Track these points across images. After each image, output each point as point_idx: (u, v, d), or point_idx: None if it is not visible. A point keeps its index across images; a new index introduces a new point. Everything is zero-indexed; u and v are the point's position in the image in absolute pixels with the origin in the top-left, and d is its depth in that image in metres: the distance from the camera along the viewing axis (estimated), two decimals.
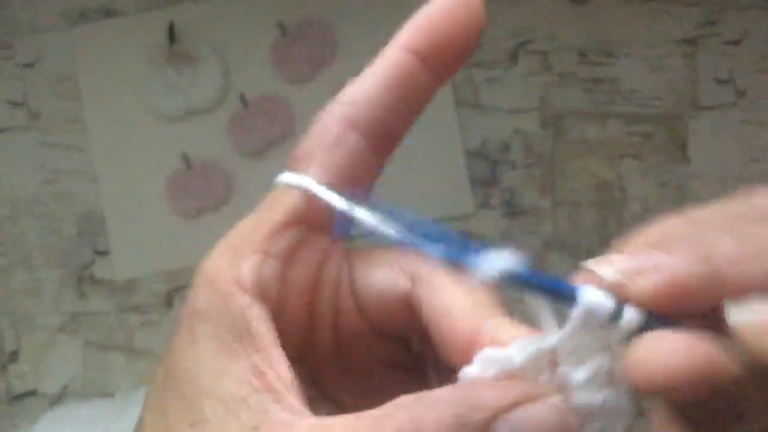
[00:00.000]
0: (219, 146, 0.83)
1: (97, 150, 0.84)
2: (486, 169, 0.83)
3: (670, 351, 0.21)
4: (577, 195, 0.83)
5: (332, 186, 0.26)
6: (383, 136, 0.27)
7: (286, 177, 0.27)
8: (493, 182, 0.83)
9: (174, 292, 0.82)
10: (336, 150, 0.27)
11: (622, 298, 0.22)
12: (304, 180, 0.26)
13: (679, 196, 0.83)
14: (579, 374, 0.23)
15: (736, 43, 0.84)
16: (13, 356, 0.83)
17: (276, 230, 0.26)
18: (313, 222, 0.26)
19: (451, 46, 0.27)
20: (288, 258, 0.26)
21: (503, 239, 0.82)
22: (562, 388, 0.22)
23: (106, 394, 0.80)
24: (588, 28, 0.84)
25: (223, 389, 0.24)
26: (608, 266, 0.23)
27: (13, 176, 0.84)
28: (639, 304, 0.22)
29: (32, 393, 0.82)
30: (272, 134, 0.82)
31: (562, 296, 0.23)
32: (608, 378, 0.23)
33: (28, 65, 0.85)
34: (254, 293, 0.25)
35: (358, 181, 0.27)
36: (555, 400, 0.22)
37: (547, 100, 0.84)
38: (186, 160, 0.82)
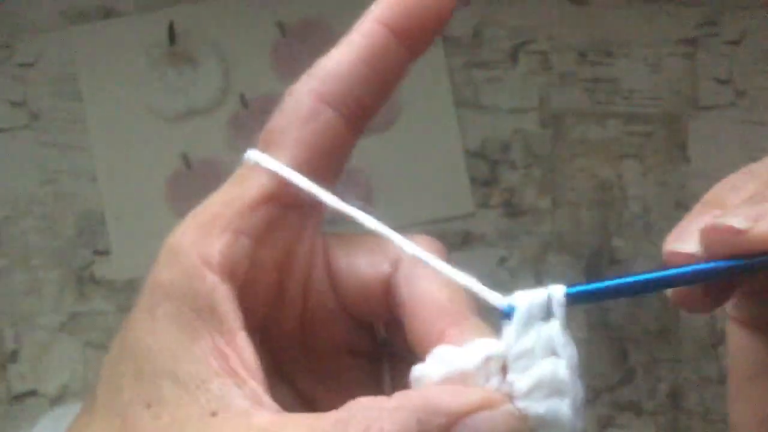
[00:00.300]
0: (219, 146, 0.83)
1: (97, 150, 0.84)
2: (486, 169, 0.83)
3: None
4: (577, 195, 0.83)
5: (307, 161, 0.26)
6: (357, 112, 0.27)
7: (256, 155, 0.27)
8: (493, 182, 0.83)
9: None
10: (309, 125, 0.27)
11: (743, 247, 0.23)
12: (273, 163, 0.27)
13: (679, 196, 0.83)
14: (523, 382, 0.23)
15: (736, 43, 0.84)
16: (13, 356, 0.82)
17: (247, 208, 0.26)
18: (285, 200, 0.26)
19: (424, 21, 0.27)
20: (259, 237, 0.26)
21: (503, 239, 0.82)
22: (508, 395, 0.23)
23: None
24: (588, 28, 0.84)
25: (183, 370, 0.24)
26: (734, 216, 0.25)
27: (13, 176, 0.84)
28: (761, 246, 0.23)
29: (32, 393, 0.82)
30: None
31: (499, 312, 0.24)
32: (553, 387, 0.23)
33: (28, 65, 0.85)
34: (222, 272, 0.25)
35: (331, 156, 0.27)
36: (511, 407, 0.22)
37: (547, 100, 0.84)
38: (186, 160, 0.82)
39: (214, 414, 0.23)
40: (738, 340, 0.28)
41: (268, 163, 0.27)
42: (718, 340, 0.82)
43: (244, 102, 0.82)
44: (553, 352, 0.24)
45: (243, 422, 0.22)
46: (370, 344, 0.29)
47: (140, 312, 0.26)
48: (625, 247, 0.82)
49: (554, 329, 0.24)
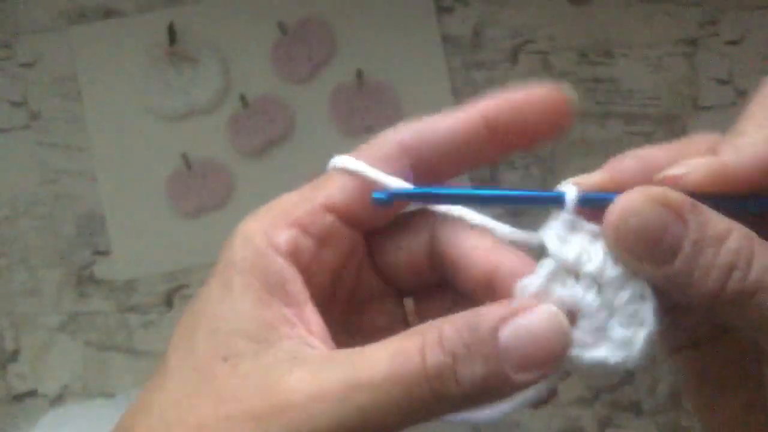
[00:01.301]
0: (219, 146, 0.83)
1: (97, 150, 0.84)
2: (486, 169, 0.83)
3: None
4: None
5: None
6: (427, 175, 0.31)
7: (339, 159, 0.30)
8: (493, 182, 0.83)
9: (174, 292, 0.82)
10: (382, 163, 0.31)
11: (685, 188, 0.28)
12: (358, 164, 0.30)
13: None
14: (573, 280, 0.28)
15: (736, 43, 0.84)
16: (13, 356, 0.83)
17: (315, 211, 0.29)
18: (349, 214, 0.30)
19: (520, 132, 0.32)
20: (321, 239, 0.29)
21: None
22: (570, 296, 0.28)
23: (106, 394, 0.80)
24: (588, 28, 0.84)
25: (257, 332, 0.27)
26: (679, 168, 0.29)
27: (13, 176, 0.84)
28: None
29: (32, 393, 0.82)
30: (272, 134, 0.82)
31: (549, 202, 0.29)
32: (598, 279, 0.28)
33: (28, 65, 0.85)
34: (288, 258, 0.28)
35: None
36: (548, 306, 0.27)
37: None
38: (186, 160, 0.82)
39: (295, 358, 0.26)
40: (689, 364, 0.31)
41: (352, 163, 0.30)
42: None
43: (244, 102, 0.82)
44: (597, 253, 0.28)
45: (326, 356, 0.26)
46: (403, 324, 0.33)
47: (214, 285, 0.29)
48: None
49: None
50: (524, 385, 0.26)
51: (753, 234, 0.27)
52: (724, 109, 0.83)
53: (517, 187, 0.83)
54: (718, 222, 0.27)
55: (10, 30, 0.85)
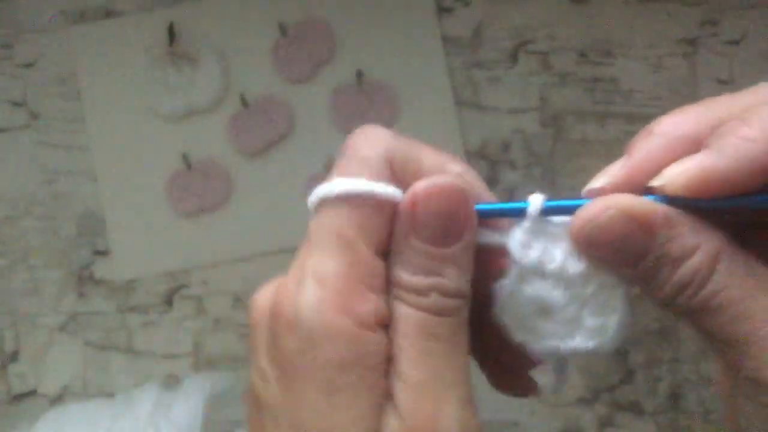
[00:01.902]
0: (219, 146, 0.83)
1: (97, 150, 0.84)
2: (486, 168, 0.83)
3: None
4: (577, 195, 0.83)
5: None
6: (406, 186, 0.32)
7: (335, 186, 0.30)
8: (493, 182, 0.83)
9: (174, 292, 0.82)
10: (378, 176, 0.31)
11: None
12: (359, 183, 0.30)
13: None
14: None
15: (736, 43, 0.84)
16: (13, 356, 0.83)
17: (364, 261, 0.29)
18: (383, 245, 0.30)
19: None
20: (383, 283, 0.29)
21: None
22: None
23: (106, 394, 0.80)
24: (588, 28, 0.84)
25: None
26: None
27: (13, 176, 0.84)
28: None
29: (32, 393, 0.82)
30: (272, 134, 0.82)
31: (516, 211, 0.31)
32: (563, 276, 0.31)
33: (28, 65, 0.85)
34: (379, 328, 0.29)
35: None
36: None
37: (547, 100, 0.84)
38: (186, 160, 0.82)
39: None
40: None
41: (352, 185, 0.30)
42: None
43: (244, 102, 0.82)
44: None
45: None
46: None
47: (311, 390, 0.29)
48: None
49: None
50: None
51: (721, 251, 0.28)
52: None
53: (517, 186, 0.83)
54: (687, 238, 0.28)
55: (10, 30, 0.85)
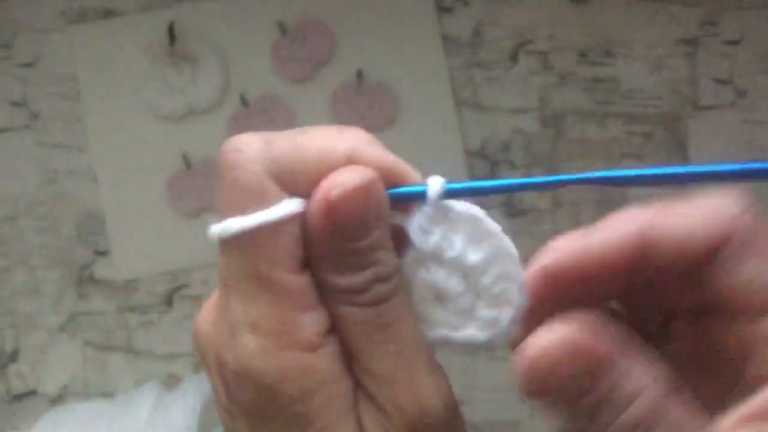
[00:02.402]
0: (219, 146, 0.82)
1: (97, 150, 0.84)
2: (486, 169, 0.83)
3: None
4: (577, 195, 0.83)
5: None
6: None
7: (224, 227, 0.29)
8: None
9: (174, 292, 0.82)
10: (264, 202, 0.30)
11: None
12: (251, 219, 0.28)
13: (679, 196, 0.83)
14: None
15: (736, 43, 0.84)
16: (13, 356, 0.83)
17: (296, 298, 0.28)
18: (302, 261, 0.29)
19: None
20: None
21: None
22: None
23: (106, 394, 0.80)
24: (588, 28, 0.84)
25: None
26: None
27: (13, 176, 0.84)
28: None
29: (32, 393, 0.82)
30: None
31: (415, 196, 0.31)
32: (460, 265, 0.30)
33: (28, 65, 0.85)
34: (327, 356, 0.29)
35: None
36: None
37: (547, 100, 0.84)
38: (186, 160, 0.82)
39: None
40: None
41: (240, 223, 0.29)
42: None
43: (244, 102, 0.82)
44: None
45: None
46: None
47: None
48: None
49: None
50: None
51: (659, 403, 0.26)
52: (724, 109, 0.83)
53: None
54: (630, 382, 0.26)
55: (10, 30, 0.85)
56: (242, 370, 0.27)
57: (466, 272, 0.30)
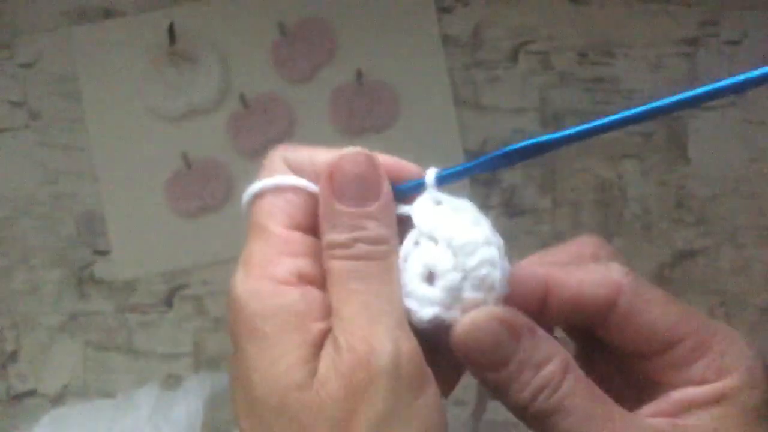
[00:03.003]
0: (219, 146, 0.83)
1: (97, 150, 0.84)
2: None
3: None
4: (577, 195, 0.83)
5: None
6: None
7: (264, 183, 0.37)
8: (493, 182, 0.83)
9: (174, 292, 0.82)
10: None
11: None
12: (286, 178, 0.36)
13: (679, 196, 0.83)
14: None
15: (736, 43, 0.84)
16: (13, 356, 0.83)
17: (289, 239, 0.35)
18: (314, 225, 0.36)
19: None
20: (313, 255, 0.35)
21: (503, 239, 0.82)
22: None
23: (106, 394, 0.80)
24: (588, 28, 0.84)
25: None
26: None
27: (13, 176, 0.84)
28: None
29: (32, 393, 0.82)
30: (272, 134, 0.82)
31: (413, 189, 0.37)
32: (451, 244, 0.34)
33: (28, 65, 0.85)
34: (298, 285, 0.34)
35: None
36: None
37: (547, 100, 0.84)
38: (186, 160, 0.82)
39: None
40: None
41: (279, 180, 0.38)
42: None
43: (244, 102, 0.82)
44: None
45: None
46: None
47: (252, 348, 0.34)
48: (625, 247, 0.82)
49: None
50: None
51: (570, 361, 0.33)
52: (724, 109, 0.83)
53: (517, 186, 0.83)
54: (544, 348, 0.33)
55: (10, 30, 0.85)
56: (230, 296, 0.33)
57: (456, 251, 0.34)
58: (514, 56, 0.84)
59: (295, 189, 0.35)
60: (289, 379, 0.31)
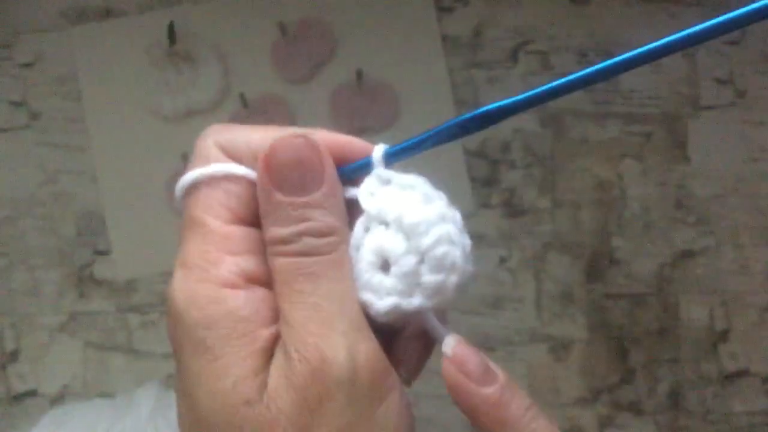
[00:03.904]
0: None
1: (97, 150, 0.84)
2: (486, 169, 0.83)
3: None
4: (577, 195, 0.83)
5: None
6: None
7: (195, 174, 0.33)
8: (493, 182, 0.83)
9: None
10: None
11: None
12: (221, 167, 0.32)
13: (679, 196, 0.83)
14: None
15: (735, 43, 0.84)
16: (13, 356, 0.83)
17: (229, 234, 0.31)
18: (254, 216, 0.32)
19: None
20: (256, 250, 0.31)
21: (503, 239, 0.82)
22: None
23: (106, 394, 0.80)
24: (588, 28, 0.84)
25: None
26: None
27: (13, 176, 0.84)
28: None
29: (32, 393, 0.82)
30: None
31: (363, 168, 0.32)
32: (401, 225, 0.31)
33: (28, 65, 0.85)
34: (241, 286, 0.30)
35: None
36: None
37: None
38: (186, 160, 0.82)
39: None
40: None
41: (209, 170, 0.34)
42: (717, 340, 0.82)
43: (244, 102, 0.82)
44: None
45: None
46: None
47: (194, 361, 0.31)
48: (625, 246, 0.82)
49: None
50: None
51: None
52: (724, 109, 0.83)
53: (517, 186, 0.83)
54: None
55: (10, 30, 0.85)
56: (167, 300, 0.30)
57: (408, 232, 0.30)
58: (514, 56, 0.84)
59: (233, 177, 0.31)
60: (237, 395, 0.28)
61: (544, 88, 0.32)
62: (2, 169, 0.84)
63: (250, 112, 0.83)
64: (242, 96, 0.82)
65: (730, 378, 0.82)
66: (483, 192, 0.82)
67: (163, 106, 0.83)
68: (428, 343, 0.33)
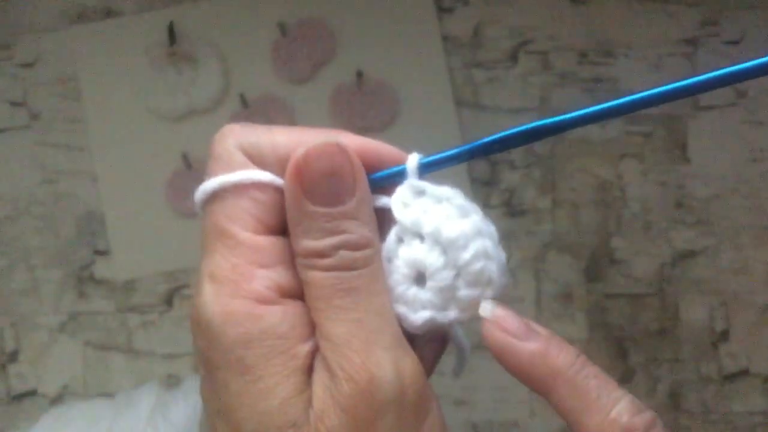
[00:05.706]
0: None
1: (97, 150, 0.84)
2: (486, 169, 0.83)
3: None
4: (577, 195, 0.83)
5: None
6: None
7: (215, 182, 0.33)
8: (493, 182, 0.83)
9: (174, 292, 0.82)
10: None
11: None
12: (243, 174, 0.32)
13: (679, 196, 0.83)
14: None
15: (736, 43, 0.84)
16: (13, 356, 0.83)
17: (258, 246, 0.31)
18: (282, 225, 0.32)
19: None
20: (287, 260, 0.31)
21: (503, 239, 0.82)
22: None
23: (106, 394, 0.80)
24: (588, 28, 0.84)
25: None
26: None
27: (13, 176, 0.84)
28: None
29: (32, 393, 0.82)
30: None
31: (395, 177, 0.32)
32: (438, 239, 0.30)
33: (28, 65, 0.85)
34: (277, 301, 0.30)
35: None
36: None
37: (547, 100, 0.84)
38: (186, 160, 0.82)
39: None
40: None
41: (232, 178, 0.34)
42: (717, 340, 0.82)
43: (244, 102, 0.82)
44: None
45: None
46: None
47: (234, 379, 0.30)
48: (625, 247, 0.82)
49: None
50: None
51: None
52: (724, 109, 0.83)
53: (517, 186, 0.83)
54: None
55: (10, 30, 0.85)
56: (197, 316, 0.29)
57: (445, 247, 0.30)
58: (514, 56, 0.84)
59: (259, 185, 0.30)
60: (283, 417, 0.27)
61: (593, 109, 0.33)
62: (2, 169, 0.84)
63: (250, 112, 0.83)
64: (242, 96, 0.82)
65: (730, 378, 0.82)
66: (483, 192, 0.82)
67: (163, 106, 0.83)
68: (443, 342, 0.32)
